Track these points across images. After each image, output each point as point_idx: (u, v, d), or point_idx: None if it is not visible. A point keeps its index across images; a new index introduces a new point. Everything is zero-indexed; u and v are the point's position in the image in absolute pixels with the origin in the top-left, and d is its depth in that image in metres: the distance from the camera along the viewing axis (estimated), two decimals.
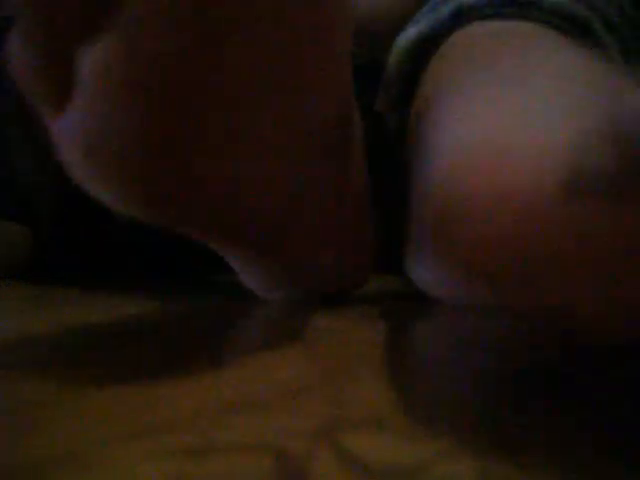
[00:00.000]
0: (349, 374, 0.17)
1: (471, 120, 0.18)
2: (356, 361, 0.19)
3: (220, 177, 0.20)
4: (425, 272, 0.20)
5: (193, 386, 0.16)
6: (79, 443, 0.12)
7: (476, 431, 0.13)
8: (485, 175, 0.14)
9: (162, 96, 0.16)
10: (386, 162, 0.30)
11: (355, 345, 0.21)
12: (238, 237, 0.25)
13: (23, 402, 0.14)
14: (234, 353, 0.21)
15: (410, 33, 0.29)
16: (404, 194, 0.25)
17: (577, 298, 0.13)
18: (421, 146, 0.23)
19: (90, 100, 0.16)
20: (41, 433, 0.12)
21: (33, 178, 0.41)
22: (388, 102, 0.31)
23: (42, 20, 0.15)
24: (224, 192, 0.21)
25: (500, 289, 0.14)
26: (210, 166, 0.19)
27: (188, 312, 0.30)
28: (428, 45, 0.27)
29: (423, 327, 0.27)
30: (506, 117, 0.16)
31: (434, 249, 0.17)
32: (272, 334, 0.24)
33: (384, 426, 0.13)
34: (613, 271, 0.12)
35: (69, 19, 0.15)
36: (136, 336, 0.23)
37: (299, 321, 0.27)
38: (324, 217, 0.26)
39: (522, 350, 0.20)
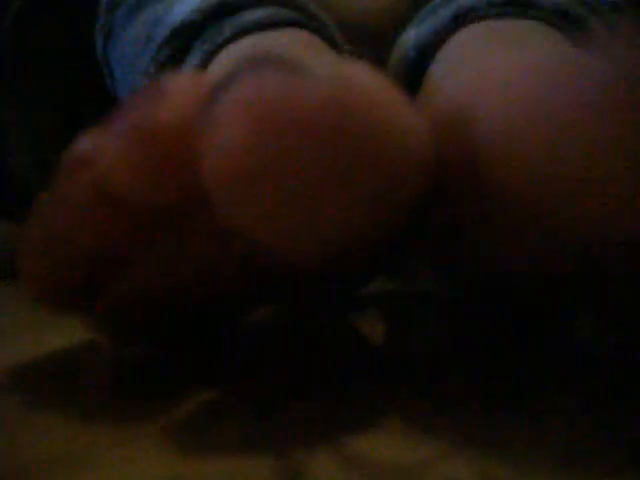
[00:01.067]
0: (348, 374, 0.17)
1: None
2: (356, 361, 0.19)
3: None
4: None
5: (192, 386, 0.16)
6: (76, 444, 0.12)
7: (476, 431, 0.13)
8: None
9: None
10: None
11: (355, 345, 0.21)
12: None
13: (19, 403, 0.14)
14: (233, 354, 0.21)
15: (410, 35, 0.29)
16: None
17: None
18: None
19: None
20: (37, 434, 0.12)
21: (33, 173, 0.40)
22: None
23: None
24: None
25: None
26: None
27: None
28: (429, 48, 0.27)
29: (423, 327, 0.27)
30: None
31: None
32: (272, 334, 0.24)
33: (384, 426, 0.13)
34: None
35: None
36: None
37: (299, 321, 0.27)
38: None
39: (522, 349, 0.20)
